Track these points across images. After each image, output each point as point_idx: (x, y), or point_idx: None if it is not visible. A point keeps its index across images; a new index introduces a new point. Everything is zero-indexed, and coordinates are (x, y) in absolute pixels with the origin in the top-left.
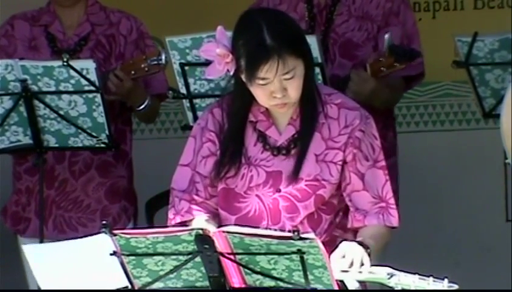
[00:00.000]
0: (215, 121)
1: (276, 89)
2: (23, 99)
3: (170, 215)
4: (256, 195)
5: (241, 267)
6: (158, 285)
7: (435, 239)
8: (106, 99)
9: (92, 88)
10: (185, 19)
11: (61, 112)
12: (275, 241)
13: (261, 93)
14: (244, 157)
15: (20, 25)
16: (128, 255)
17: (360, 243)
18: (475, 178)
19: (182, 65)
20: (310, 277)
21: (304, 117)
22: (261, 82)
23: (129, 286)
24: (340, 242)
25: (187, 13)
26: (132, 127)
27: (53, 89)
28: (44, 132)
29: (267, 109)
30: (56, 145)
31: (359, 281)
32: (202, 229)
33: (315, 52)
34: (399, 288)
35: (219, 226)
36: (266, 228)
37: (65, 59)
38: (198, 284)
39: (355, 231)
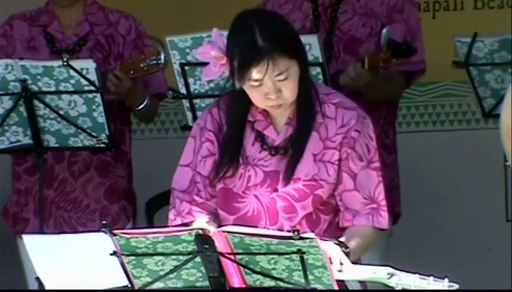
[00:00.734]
0: (214, 121)
1: (270, 91)
2: (23, 99)
3: (171, 216)
4: (254, 195)
5: (241, 267)
6: (158, 285)
7: (435, 239)
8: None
9: (92, 88)
10: (185, 19)
11: (61, 112)
12: (275, 241)
13: (255, 94)
14: (242, 157)
15: (19, 25)
16: (128, 255)
17: (339, 243)
18: (475, 178)
19: (182, 65)
20: (310, 277)
21: (300, 117)
22: (253, 83)
23: (129, 286)
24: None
25: (187, 13)
26: (132, 127)
27: (53, 89)
28: (44, 132)
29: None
30: (56, 145)
31: (359, 281)
32: (202, 229)
33: (317, 51)
34: (400, 288)
35: (219, 226)
36: (265, 228)
37: (65, 59)
38: (198, 284)
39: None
